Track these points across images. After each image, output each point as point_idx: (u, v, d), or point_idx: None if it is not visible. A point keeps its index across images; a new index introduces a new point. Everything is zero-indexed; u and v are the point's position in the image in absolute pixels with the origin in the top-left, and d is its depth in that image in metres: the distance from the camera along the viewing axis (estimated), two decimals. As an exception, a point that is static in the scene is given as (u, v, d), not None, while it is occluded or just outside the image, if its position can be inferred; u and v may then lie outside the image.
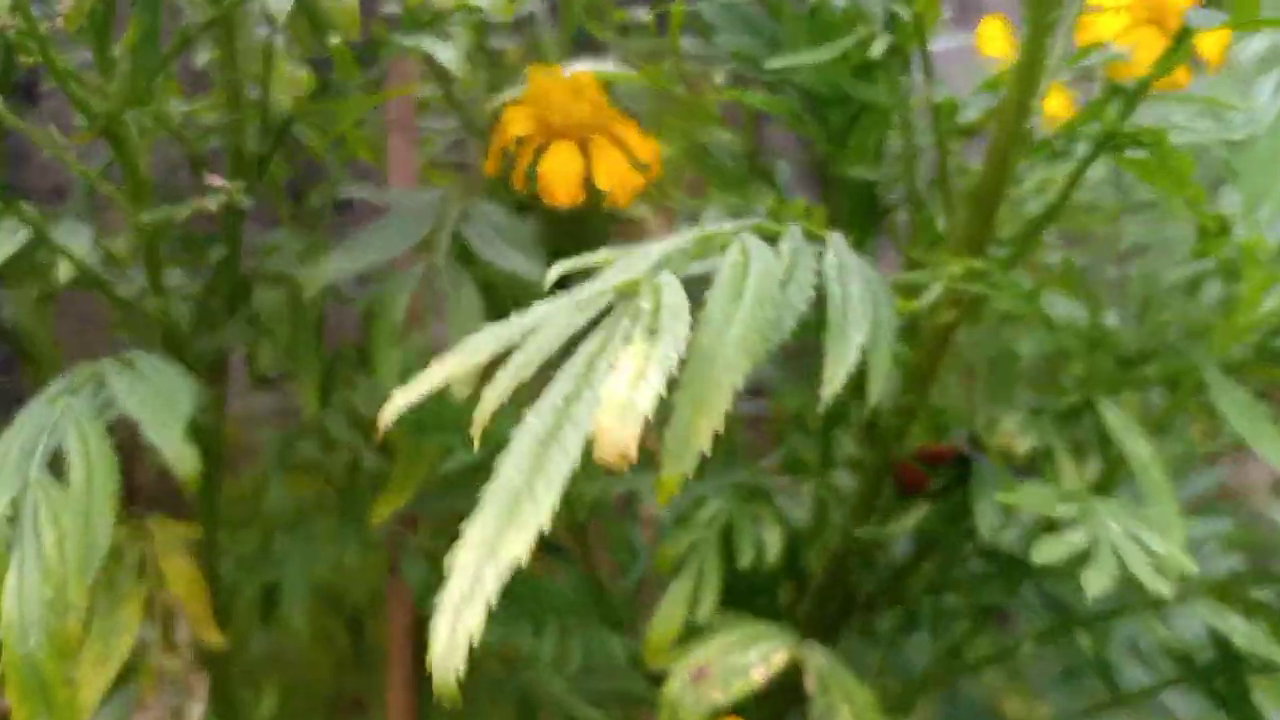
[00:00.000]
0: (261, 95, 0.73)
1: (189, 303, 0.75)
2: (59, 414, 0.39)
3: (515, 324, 0.25)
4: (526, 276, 0.60)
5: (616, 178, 0.45)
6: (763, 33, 0.57)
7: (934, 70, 0.48)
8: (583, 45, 0.89)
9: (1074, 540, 0.31)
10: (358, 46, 0.60)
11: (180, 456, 0.41)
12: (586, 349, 0.24)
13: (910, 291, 0.44)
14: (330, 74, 0.63)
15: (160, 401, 0.42)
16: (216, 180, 0.45)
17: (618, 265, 0.28)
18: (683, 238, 0.30)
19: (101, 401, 0.43)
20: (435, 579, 0.72)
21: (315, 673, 0.91)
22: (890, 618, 0.62)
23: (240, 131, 0.75)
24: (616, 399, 0.21)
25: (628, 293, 0.25)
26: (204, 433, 0.74)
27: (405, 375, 0.61)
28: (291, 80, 0.78)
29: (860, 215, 0.59)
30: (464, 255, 0.73)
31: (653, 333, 0.23)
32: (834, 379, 0.29)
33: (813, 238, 0.36)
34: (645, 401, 0.21)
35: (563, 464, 0.21)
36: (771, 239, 0.33)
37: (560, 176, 0.44)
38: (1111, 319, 0.53)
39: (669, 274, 0.26)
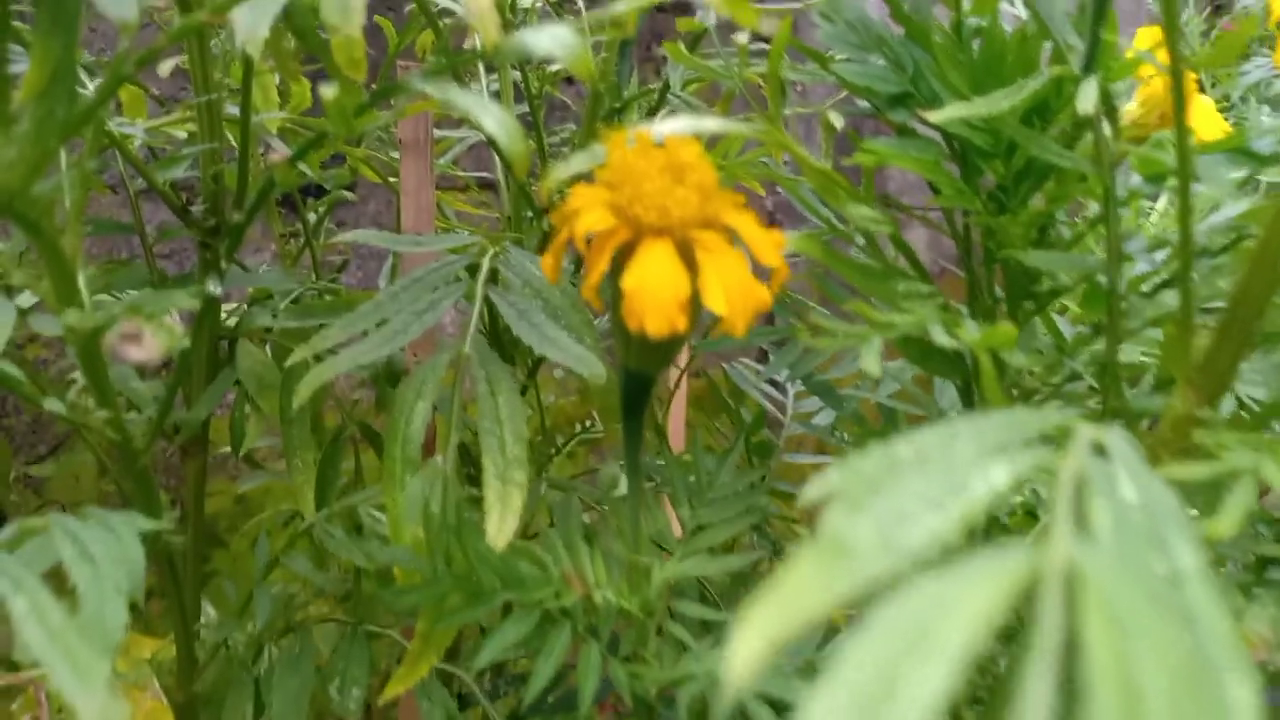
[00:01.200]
0: (244, 114, 0.59)
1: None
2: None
3: None
4: (579, 370, 0.47)
5: (735, 295, 0.31)
6: (898, 61, 0.43)
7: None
8: (641, 57, 0.75)
9: None
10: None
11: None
12: None
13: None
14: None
15: (75, 638, 0.28)
16: (133, 351, 0.31)
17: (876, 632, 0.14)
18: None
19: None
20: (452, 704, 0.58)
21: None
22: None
23: (216, 156, 0.62)
24: None
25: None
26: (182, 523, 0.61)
27: (424, 508, 0.48)
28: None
29: (1021, 296, 0.46)
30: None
31: None
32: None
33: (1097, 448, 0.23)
34: None
35: None
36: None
37: (655, 297, 0.30)
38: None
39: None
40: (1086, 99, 0.34)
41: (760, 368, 0.88)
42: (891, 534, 0.18)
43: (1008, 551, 0.17)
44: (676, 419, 1.03)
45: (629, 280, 0.31)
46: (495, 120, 0.33)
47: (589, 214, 0.31)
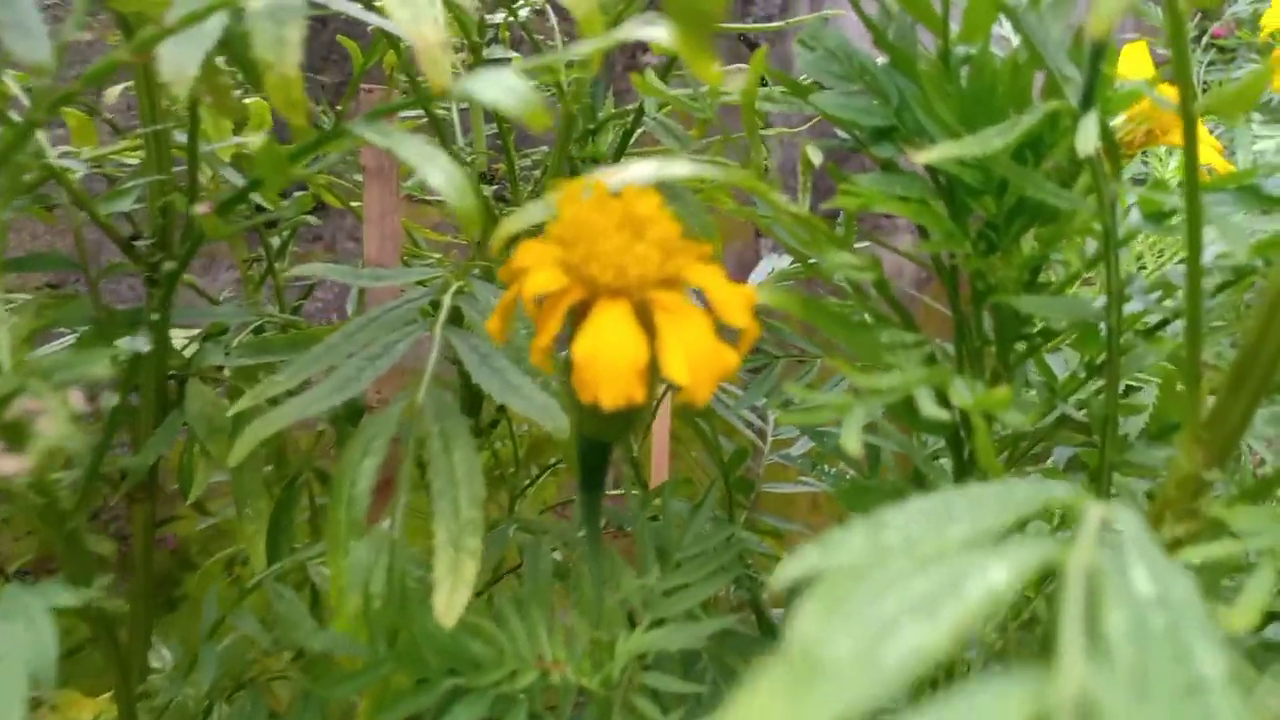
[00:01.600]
0: (191, 145, 0.56)
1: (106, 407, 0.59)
2: None
3: None
4: (541, 423, 0.44)
5: (698, 361, 0.28)
6: (882, 91, 0.40)
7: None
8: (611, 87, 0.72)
9: None
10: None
11: None
12: None
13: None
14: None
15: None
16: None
17: None
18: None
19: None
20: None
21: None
22: None
23: (165, 188, 0.58)
24: None
25: None
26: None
27: (371, 575, 0.45)
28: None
29: (1012, 338, 0.43)
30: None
31: None
32: None
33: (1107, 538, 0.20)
34: None
35: None
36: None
37: (609, 366, 0.27)
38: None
39: None
40: (1087, 139, 0.31)
41: (741, 392, 0.85)
42: (872, 650, 0.15)
43: (1010, 680, 0.14)
44: (660, 441, 1.00)
45: (581, 347, 0.28)
46: (442, 174, 0.30)
47: (539, 273, 0.28)
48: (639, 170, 0.29)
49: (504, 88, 0.29)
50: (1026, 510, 0.21)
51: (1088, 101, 0.34)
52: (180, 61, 0.33)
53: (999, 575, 0.18)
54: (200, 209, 0.36)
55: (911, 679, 0.15)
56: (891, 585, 0.17)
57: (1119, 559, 0.20)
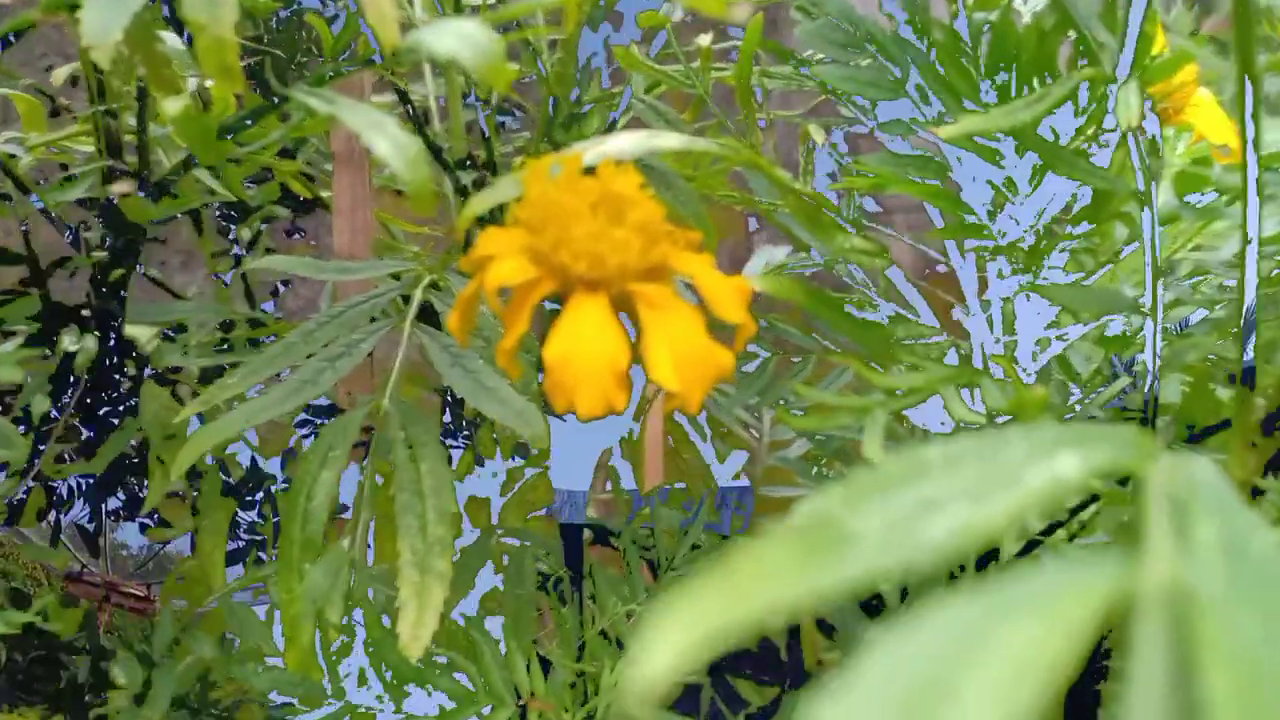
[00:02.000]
0: (140, 127, 0.52)
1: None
2: None
3: None
4: (518, 430, 0.40)
5: (687, 363, 0.24)
6: (894, 60, 0.36)
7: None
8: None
9: None
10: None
11: None
12: None
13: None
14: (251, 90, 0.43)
15: None
16: None
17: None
18: None
19: None
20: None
21: None
22: None
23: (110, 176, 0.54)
24: None
25: None
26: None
27: (328, 596, 0.41)
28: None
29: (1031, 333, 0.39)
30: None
31: None
32: None
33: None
34: None
35: None
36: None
37: (586, 369, 0.24)
38: None
39: None
40: (1130, 110, 0.28)
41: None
42: (909, 526, 0.13)
43: (1091, 562, 0.12)
44: (654, 442, 0.96)
45: (553, 348, 0.24)
46: (389, 142, 0.27)
47: (503, 263, 0.24)
48: (618, 143, 0.25)
49: (459, 36, 0.25)
50: (1088, 442, 0.18)
51: (1130, 66, 0.30)
52: (103, 23, 0.29)
53: (1068, 465, 0.15)
54: (119, 188, 0.32)
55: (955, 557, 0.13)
56: (933, 477, 0.14)
57: (1203, 498, 0.16)
